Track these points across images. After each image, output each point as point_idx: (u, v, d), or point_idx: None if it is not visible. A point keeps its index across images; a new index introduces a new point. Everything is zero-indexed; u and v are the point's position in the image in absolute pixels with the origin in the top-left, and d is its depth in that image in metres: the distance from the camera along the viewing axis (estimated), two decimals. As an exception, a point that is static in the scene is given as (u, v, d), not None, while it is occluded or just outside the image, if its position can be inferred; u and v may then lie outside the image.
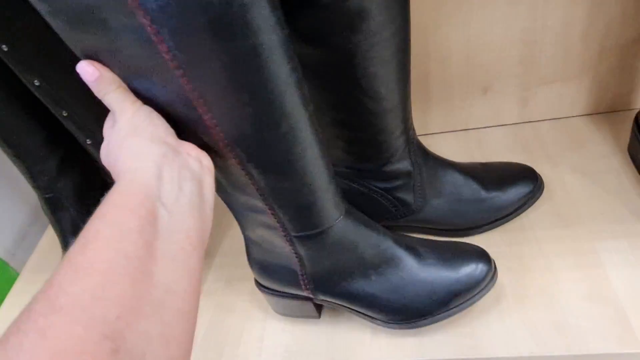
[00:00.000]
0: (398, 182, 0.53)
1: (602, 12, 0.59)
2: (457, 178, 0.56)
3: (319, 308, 0.53)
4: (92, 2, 0.27)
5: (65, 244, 0.63)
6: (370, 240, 0.44)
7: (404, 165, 0.52)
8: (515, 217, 0.58)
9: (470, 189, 0.56)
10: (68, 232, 0.62)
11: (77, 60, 0.32)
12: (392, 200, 0.54)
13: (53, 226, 0.63)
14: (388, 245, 0.45)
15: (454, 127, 0.73)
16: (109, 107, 0.32)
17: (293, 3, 0.37)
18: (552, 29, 0.60)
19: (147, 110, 0.32)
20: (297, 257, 0.45)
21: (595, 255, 0.53)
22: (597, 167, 0.63)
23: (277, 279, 0.49)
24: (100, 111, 0.34)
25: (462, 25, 0.60)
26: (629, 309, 0.47)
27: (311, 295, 0.48)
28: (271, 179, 0.37)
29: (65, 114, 0.52)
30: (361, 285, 0.45)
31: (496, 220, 0.57)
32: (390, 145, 0.50)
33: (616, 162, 0.62)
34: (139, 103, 0.32)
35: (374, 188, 0.54)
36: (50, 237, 0.77)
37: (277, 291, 0.50)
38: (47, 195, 0.60)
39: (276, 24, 0.29)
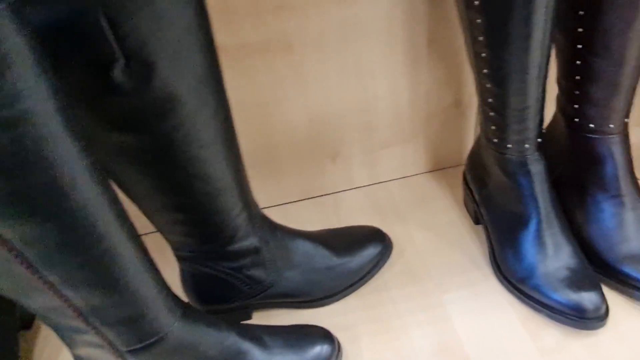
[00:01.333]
0: (247, 260, 0.52)
1: (421, 82, 0.65)
2: (307, 247, 0.56)
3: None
4: None
5: None
6: (213, 339, 0.42)
7: (250, 242, 0.51)
8: (369, 279, 0.59)
9: (321, 256, 0.56)
10: None
11: None
12: (244, 279, 0.53)
13: None
14: (232, 340, 0.43)
15: (311, 194, 0.74)
16: None
17: (96, 90, 0.35)
18: (382, 98, 0.65)
19: None
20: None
21: (442, 309, 0.55)
22: (440, 220, 0.67)
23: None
24: None
25: (301, 98, 0.63)
26: (474, 357, 0.49)
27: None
28: (91, 298, 0.34)
29: None
30: (209, 383, 0.42)
31: (351, 285, 0.58)
32: (231, 224, 0.48)
33: (455, 215, 0.67)
34: None
35: (223, 269, 0.52)
36: None
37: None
38: None
39: (80, 152, 0.28)
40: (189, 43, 0.36)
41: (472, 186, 0.62)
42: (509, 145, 0.52)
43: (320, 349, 0.45)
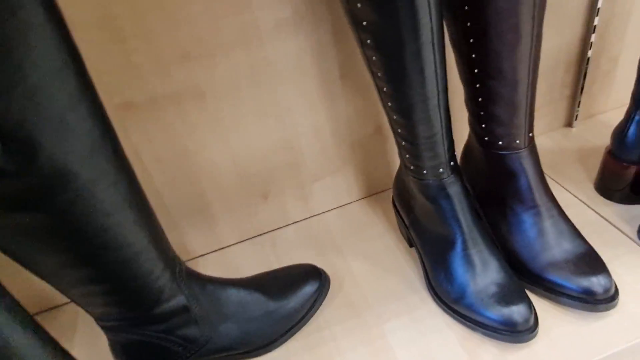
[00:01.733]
0: (176, 320, 0.50)
1: (340, 113, 0.66)
2: (241, 296, 0.54)
3: None
4: None
5: None
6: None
7: (177, 301, 0.49)
8: (309, 318, 0.58)
9: (257, 303, 0.55)
10: None
11: None
12: (176, 340, 0.51)
13: None
14: None
15: (247, 235, 0.73)
16: None
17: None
18: (303, 134, 0.66)
19: None
20: None
21: (383, 340, 0.55)
22: (376, 247, 0.67)
23: None
24: None
25: (221, 144, 0.62)
26: (417, 388, 0.49)
27: None
28: None
29: None
30: None
31: (291, 327, 0.57)
32: (153, 287, 0.46)
33: (391, 240, 0.68)
34: None
35: (152, 333, 0.50)
36: None
37: None
38: None
39: None
40: (75, 116, 0.35)
41: (400, 211, 0.63)
42: (425, 171, 0.53)
43: None
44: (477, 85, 0.51)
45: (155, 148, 0.59)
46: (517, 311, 0.50)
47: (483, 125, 0.55)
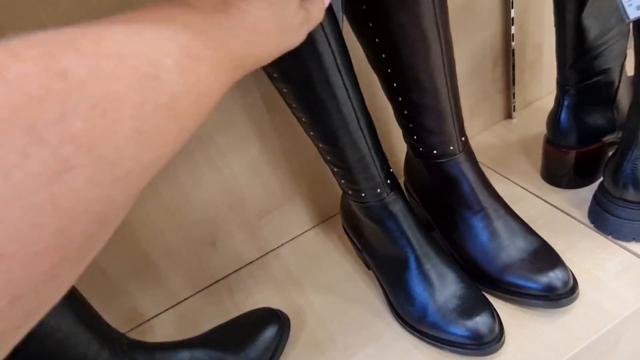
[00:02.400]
0: (125, 399, 0.46)
1: (275, 146, 0.64)
2: (196, 357, 0.51)
3: None
4: None
5: None
6: None
7: (122, 379, 0.45)
8: (274, 365, 0.55)
9: (213, 362, 0.51)
10: None
11: None
12: (129, 421, 0.47)
13: None
14: None
15: (202, 285, 0.70)
16: None
17: None
18: (240, 173, 0.63)
19: None
20: None
21: (352, 375, 0.52)
22: (335, 276, 0.65)
23: None
24: None
25: (154, 198, 0.59)
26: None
27: None
28: None
29: None
30: None
31: (255, 379, 0.53)
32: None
33: (349, 265, 0.66)
34: None
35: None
36: None
37: None
38: None
39: None
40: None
41: (351, 235, 0.61)
42: (363, 194, 0.51)
43: None
44: (400, 99, 0.50)
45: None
46: (481, 322, 0.48)
47: (415, 137, 0.53)
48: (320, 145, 0.47)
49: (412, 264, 0.52)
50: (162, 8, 0.22)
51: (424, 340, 0.52)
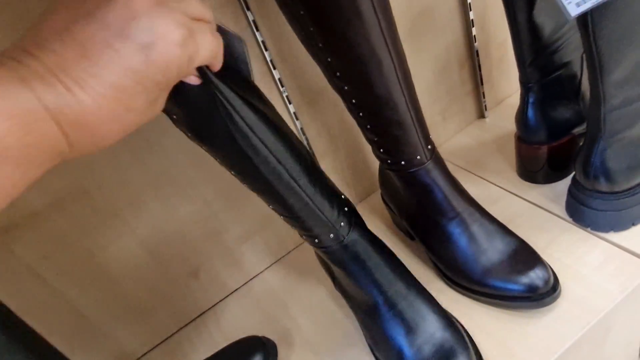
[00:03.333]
0: None
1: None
2: (181, 397, 0.50)
3: None
4: None
5: None
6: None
7: None
8: (264, 395, 0.54)
9: (200, 400, 0.50)
10: None
11: None
12: None
13: None
14: None
15: (189, 318, 0.68)
16: None
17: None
18: (214, 200, 0.63)
19: None
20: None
21: (342, 398, 0.51)
22: (319, 295, 0.64)
23: None
24: None
25: (127, 235, 0.58)
26: None
27: None
28: None
29: None
30: None
31: (245, 412, 0.52)
32: None
33: (331, 286, 0.65)
34: None
35: None
36: None
37: None
38: None
39: None
40: None
41: (326, 273, 0.59)
42: (317, 240, 0.49)
43: None
44: (360, 114, 0.49)
45: (54, 262, 0.55)
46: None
47: (381, 150, 0.53)
48: (263, 198, 0.46)
49: (383, 308, 0.49)
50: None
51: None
